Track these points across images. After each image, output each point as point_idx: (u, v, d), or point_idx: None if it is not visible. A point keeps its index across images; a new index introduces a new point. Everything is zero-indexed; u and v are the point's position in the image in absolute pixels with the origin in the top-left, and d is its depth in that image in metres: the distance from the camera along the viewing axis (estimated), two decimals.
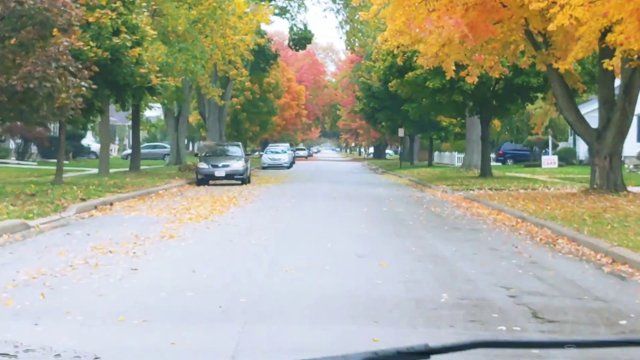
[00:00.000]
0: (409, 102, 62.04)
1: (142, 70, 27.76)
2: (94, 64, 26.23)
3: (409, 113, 53.72)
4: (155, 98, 33.62)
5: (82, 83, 21.95)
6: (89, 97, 26.78)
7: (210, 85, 40.74)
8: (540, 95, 40.21)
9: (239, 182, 37.93)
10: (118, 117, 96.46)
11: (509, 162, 71.46)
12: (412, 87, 41.42)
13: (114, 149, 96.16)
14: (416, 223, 19.41)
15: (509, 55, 29.45)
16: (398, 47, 31.33)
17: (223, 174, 37.44)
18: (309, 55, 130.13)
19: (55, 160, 59.89)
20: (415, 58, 37.04)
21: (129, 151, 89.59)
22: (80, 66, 22.02)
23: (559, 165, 57.68)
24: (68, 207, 20.87)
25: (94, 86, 22.95)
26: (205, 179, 37.78)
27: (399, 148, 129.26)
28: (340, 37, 71.15)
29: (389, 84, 62.24)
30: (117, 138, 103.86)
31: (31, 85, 20.73)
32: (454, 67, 29.65)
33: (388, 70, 40.44)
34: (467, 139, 52.47)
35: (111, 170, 42.26)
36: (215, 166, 37.62)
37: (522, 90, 39.05)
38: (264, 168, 69.02)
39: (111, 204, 23.45)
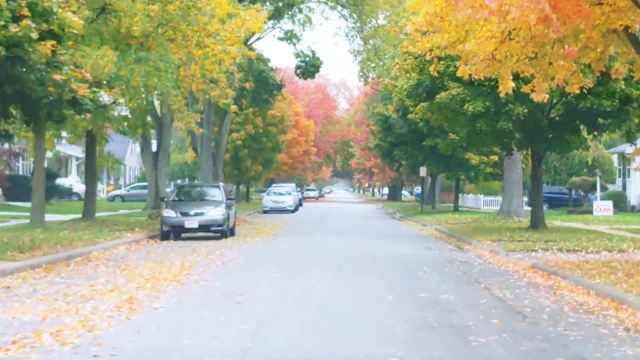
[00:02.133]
0: (431, 136, 53.16)
1: (58, 77, 18.66)
2: None
3: (438, 146, 44.62)
4: (80, 117, 24.45)
5: None
6: None
7: (185, 109, 31.76)
8: (608, 121, 30.49)
9: (218, 234, 28.82)
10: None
11: (544, 206, 61.74)
12: (444, 112, 32.26)
13: (102, 189, 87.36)
14: (492, 339, 10.16)
15: (594, 60, 20.13)
16: (432, 50, 22.18)
17: (196, 225, 28.30)
18: (319, 89, 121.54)
19: (19, 204, 51.24)
20: (453, 68, 28.08)
21: (117, 192, 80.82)
22: None
23: None
24: None
25: None
26: (173, 232, 28.69)
27: (415, 189, 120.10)
28: (353, 60, 62.44)
29: (409, 115, 53.33)
30: (109, 177, 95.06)
31: None
32: (511, 79, 20.98)
33: (413, 90, 31.26)
34: (506, 180, 43.15)
35: (61, 218, 33.28)
36: (186, 214, 28.46)
37: (589, 117, 29.83)
38: (265, 212, 60.01)
39: None
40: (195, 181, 69.01)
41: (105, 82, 25.12)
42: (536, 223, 32.38)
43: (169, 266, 18.09)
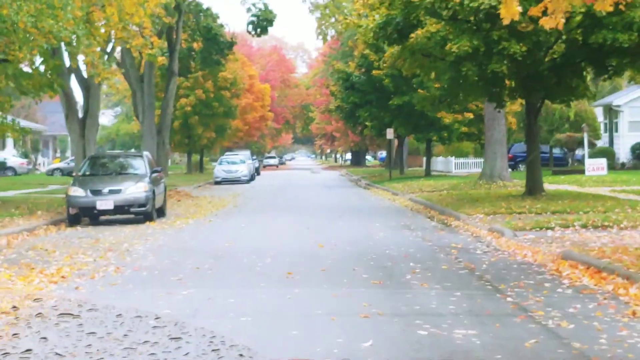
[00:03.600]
0: (399, 94, 47.42)
1: None
2: None
3: (413, 101, 38.70)
4: None
5: None
6: None
7: (100, 62, 25.51)
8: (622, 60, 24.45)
9: (141, 217, 22.75)
10: (55, 126, 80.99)
11: (521, 167, 55.94)
12: (419, 59, 26.36)
13: (43, 162, 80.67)
14: None
15: None
16: None
17: (110, 207, 22.15)
18: (275, 51, 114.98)
19: None
20: None
21: (58, 165, 74.02)
22: None
23: None
24: None
25: None
26: (85, 215, 22.61)
27: (379, 153, 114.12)
28: (310, 11, 56.28)
29: (374, 71, 47.49)
30: (55, 150, 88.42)
31: None
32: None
33: (381, 29, 25.17)
34: (488, 139, 37.38)
35: None
36: (98, 193, 22.30)
37: (598, 56, 24.01)
38: (217, 183, 53.95)
39: None
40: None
41: None
42: (533, 188, 26.77)
43: (33, 277, 12.07)
